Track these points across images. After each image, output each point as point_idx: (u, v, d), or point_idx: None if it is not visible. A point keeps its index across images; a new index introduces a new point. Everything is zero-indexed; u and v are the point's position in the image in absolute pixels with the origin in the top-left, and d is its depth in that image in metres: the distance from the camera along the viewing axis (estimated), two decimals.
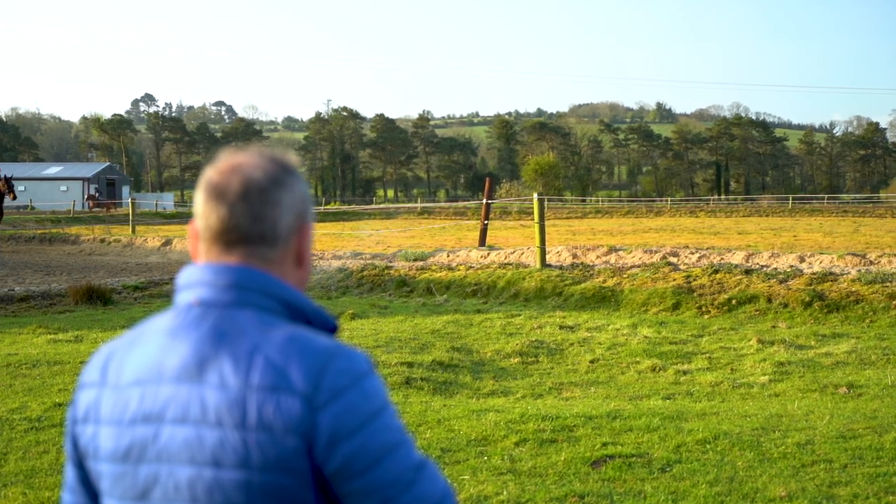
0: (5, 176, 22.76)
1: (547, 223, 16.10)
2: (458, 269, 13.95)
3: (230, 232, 1.43)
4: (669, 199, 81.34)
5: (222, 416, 1.34)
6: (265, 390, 1.34)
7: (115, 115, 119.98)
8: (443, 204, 72.22)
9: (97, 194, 71.54)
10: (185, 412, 1.36)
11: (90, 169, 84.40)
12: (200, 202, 1.45)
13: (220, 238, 1.44)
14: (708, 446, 5.25)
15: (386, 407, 1.39)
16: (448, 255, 17.42)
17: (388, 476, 1.36)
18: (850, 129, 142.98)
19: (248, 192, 1.43)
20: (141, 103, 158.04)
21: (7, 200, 23.88)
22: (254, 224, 1.43)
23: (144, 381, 1.41)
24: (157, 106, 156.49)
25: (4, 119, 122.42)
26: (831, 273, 11.58)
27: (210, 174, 1.46)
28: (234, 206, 1.43)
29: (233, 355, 1.37)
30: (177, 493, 1.36)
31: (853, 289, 10.72)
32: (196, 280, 1.44)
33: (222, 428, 1.34)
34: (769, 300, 10.79)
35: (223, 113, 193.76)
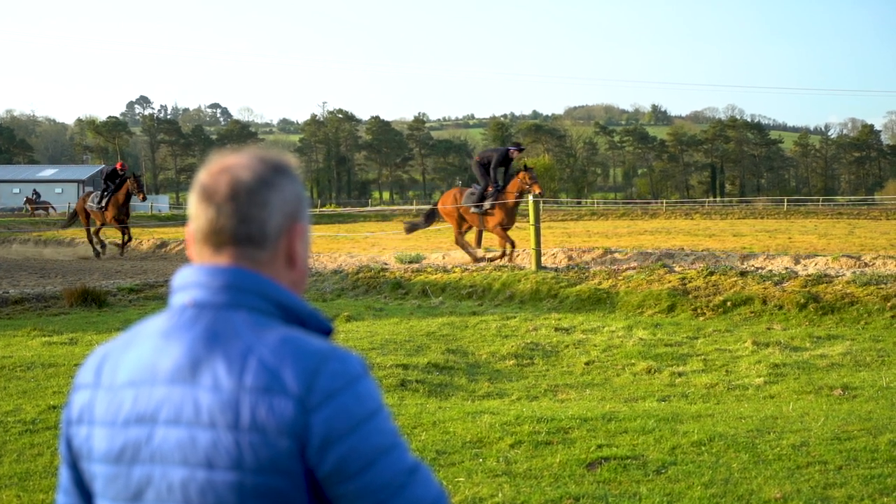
0: (134, 174, 21.13)
1: (542, 225, 16.11)
2: (454, 272, 13.94)
3: (218, 233, 1.44)
4: (664, 201, 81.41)
5: (215, 418, 1.34)
6: (258, 392, 1.34)
7: (110, 117, 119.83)
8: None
9: (34, 196, 62.24)
10: (178, 413, 1.36)
11: (85, 171, 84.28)
12: (193, 204, 1.47)
13: (209, 239, 1.45)
14: (703, 448, 5.25)
15: (379, 410, 1.39)
16: (444, 257, 17.43)
17: (380, 479, 1.36)
18: (844, 132, 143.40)
19: (235, 192, 1.43)
20: (136, 105, 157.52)
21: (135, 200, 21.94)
22: (241, 225, 1.43)
23: (138, 383, 1.41)
24: (153, 108, 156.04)
25: None
26: (826, 275, 11.60)
27: (201, 176, 1.47)
28: (221, 206, 1.43)
29: (226, 357, 1.37)
30: (170, 494, 1.36)
31: (848, 291, 10.73)
32: (190, 281, 1.45)
33: (215, 429, 1.34)
34: (764, 302, 10.80)
35: (218, 115, 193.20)
